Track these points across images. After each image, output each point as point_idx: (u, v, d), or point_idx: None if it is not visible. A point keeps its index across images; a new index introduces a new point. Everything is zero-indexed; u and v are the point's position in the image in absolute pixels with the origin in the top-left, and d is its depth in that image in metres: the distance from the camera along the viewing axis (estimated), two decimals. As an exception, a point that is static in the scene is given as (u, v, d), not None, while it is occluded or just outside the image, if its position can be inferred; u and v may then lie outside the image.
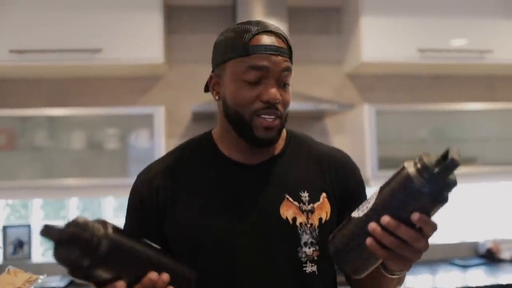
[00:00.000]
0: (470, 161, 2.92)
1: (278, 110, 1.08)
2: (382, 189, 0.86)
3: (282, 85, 1.10)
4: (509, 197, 3.31)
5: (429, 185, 0.80)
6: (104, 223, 0.88)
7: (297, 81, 2.91)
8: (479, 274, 2.75)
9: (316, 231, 1.11)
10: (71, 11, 2.56)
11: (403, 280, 1.11)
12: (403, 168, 0.83)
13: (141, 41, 2.58)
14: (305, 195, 1.13)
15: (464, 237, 3.21)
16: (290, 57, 1.11)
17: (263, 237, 1.10)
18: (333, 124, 3.08)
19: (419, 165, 0.81)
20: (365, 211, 0.86)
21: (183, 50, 2.95)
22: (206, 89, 1.20)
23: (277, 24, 2.69)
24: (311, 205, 1.13)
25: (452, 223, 3.24)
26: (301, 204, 1.12)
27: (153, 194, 1.15)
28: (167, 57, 2.82)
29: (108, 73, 2.82)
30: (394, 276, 0.98)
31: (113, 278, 0.88)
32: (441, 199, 0.81)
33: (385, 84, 3.15)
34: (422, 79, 3.19)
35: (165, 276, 0.93)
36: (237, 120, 1.11)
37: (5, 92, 2.84)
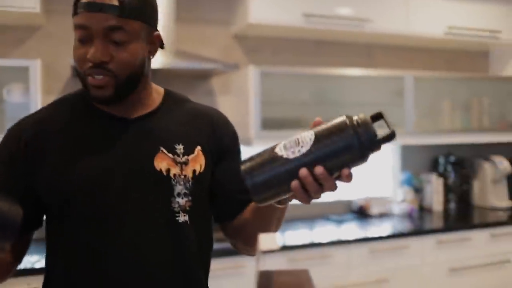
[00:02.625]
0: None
1: (107, 70, 1.07)
2: (318, 138, 0.90)
3: (114, 43, 1.07)
4: (380, 159, 3.57)
5: (365, 142, 0.89)
6: None
7: (185, 40, 2.88)
8: (352, 228, 2.97)
9: (190, 182, 1.15)
10: None
11: (283, 216, 1.19)
12: (346, 123, 0.90)
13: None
14: (179, 148, 1.16)
15: (340, 196, 3.43)
16: (125, 14, 1.06)
17: (137, 188, 1.12)
18: (219, 84, 3.10)
19: (360, 122, 0.90)
20: (296, 154, 0.91)
21: (62, 0, 2.78)
22: None
23: (164, -19, 2.64)
24: (186, 157, 1.16)
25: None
26: (176, 156, 1.15)
27: (21, 147, 1.12)
28: (45, 7, 2.64)
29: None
30: (281, 206, 1.07)
31: None
32: (366, 158, 0.92)
33: (271, 47, 3.21)
34: (307, 43, 3.30)
35: None
36: (79, 77, 1.11)
37: None
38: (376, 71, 3.19)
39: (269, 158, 0.93)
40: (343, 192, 3.44)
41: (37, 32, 2.75)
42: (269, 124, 2.86)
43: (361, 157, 0.91)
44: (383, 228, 2.98)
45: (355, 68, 3.24)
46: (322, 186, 0.92)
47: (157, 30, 1.16)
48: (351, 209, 3.41)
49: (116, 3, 1.05)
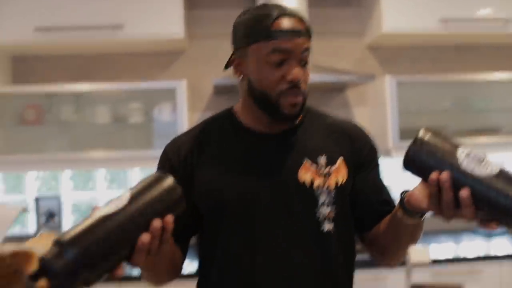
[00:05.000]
0: (494, 131, 2.89)
1: (301, 88, 1.15)
2: (496, 179, 0.91)
3: (303, 64, 1.16)
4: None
5: None
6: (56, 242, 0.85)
7: (318, 53, 2.91)
8: (503, 242, 2.74)
9: (333, 193, 1.18)
10: (94, -12, 2.61)
11: (419, 234, 1.17)
12: None
13: (162, 17, 2.61)
14: (322, 159, 1.19)
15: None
16: (310, 36, 1.17)
17: (282, 200, 1.17)
18: (354, 96, 3.08)
19: None
20: (469, 168, 0.92)
21: (203, 25, 2.98)
22: (226, 67, 1.26)
23: (297, -4, 2.71)
24: (328, 168, 1.19)
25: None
26: (319, 167, 1.18)
27: (181, 159, 1.22)
28: (188, 32, 2.85)
29: (130, 48, 2.87)
30: (410, 221, 1.08)
31: (112, 262, 0.88)
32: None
33: (406, 55, 3.12)
34: (445, 49, 3.15)
35: (169, 218, 0.93)
36: (263, 99, 1.17)
37: (32, 69, 2.90)
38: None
39: (446, 152, 0.98)
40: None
41: (182, 56, 2.98)
42: (408, 134, 2.76)
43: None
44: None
45: (499, 71, 3.03)
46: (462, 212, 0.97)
47: None
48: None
49: (304, 27, 1.16)
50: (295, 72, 1.13)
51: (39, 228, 2.86)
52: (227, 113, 1.29)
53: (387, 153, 2.71)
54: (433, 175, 0.95)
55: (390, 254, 1.25)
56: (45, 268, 0.81)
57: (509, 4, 2.81)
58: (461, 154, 0.93)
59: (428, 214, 1.02)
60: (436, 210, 0.98)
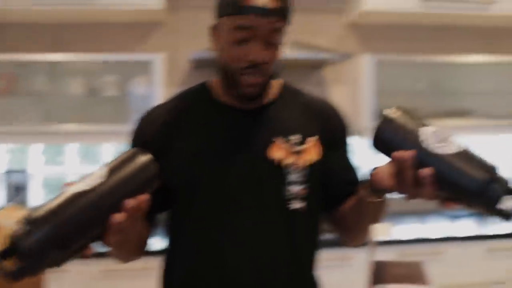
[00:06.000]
0: (467, 113, 2.92)
1: (261, 70, 1.12)
2: (457, 158, 0.91)
3: (271, 44, 1.12)
4: (506, 150, 3.34)
5: (486, 199, 0.91)
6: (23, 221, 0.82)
7: (297, 30, 2.87)
8: (468, 224, 2.82)
9: (305, 171, 1.18)
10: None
11: (382, 214, 1.18)
12: (489, 171, 0.92)
13: (140, -14, 2.56)
14: (295, 138, 1.19)
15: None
16: (284, 16, 1.11)
17: (253, 177, 1.17)
18: (331, 74, 3.08)
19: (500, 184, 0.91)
20: (432, 147, 0.92)
21: (183, -4, 2.92)
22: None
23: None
24: (301, 147, 1.19)
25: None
26: (291, 145, 1.18)
27: (156, 132, 1.21)
28: (168, 3, 2.80)
29: (108, 18, 2.81)
30: (375, 199, 1.09)
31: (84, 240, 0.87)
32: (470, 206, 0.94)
33: (386, 35, 3.12)
34: (424, 29, 3.15)
35: (143, 197, 0.91)
36: (226, 74, 1.16)
37: (5, 37, 2.83)
38: (497, 57, 2.98)
39: (411, 131, 0.97)
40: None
41: (160, 28, 2.93)
42: (383, 114, 2.78)
43: (468, 204, 0.93)
44: (503, 226, 2.78)
45: (475, 54, 3.05)
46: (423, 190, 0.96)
47: None
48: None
49: (278, 5, 1.09)
50: (256, 52, 1.10)
51: (8, 201, 2.82)
52: (202, 87, 1.28)
53: (362, 133, 2.73)
54: (396, 153, 0.95)
55: (353, 233, 1.26)
56: (13, 246, 0.79)
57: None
58: (426, 133, 0.93)
59: (394, 195, 1.02)
60: (398, 189, 0.98)
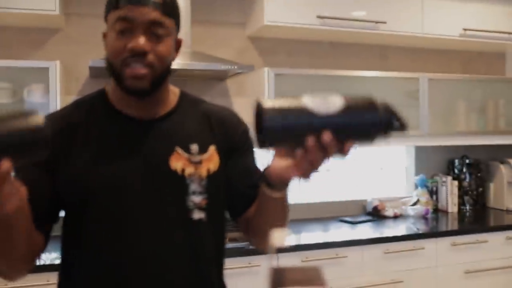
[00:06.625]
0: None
1: (146, 60, 1.10)
2: (348, 106, 0.92)
3: (154, 36, 1.12)
4: (394, 159, 3.57)
5: (385, 125, 0.94)
6: None
7: (200, 42, 2.92)
8: (366, 229, 2.98)
9: (204, 181, 1.18)
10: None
11: (286, 211, 1.20)
12: (376, 102, 0.94)
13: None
14: (194, 147, 1.19)
15: (353, 196, 3.43)
16: (165, 11, 1.12)
17: (153, 187, 1.15)
18: (234, 86, 3.13)
19: (387, 105, 0.95)
20: (324, 112, 0.91)
21: (81, 3, 2.83)
22: None
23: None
24: (200, 156, 1.19)
25: (342, 182, 3.44)
26: (190, 155, 1.18)
27: (53, 138, 1.12)
28: (64, 10, 2.70)
29: (1, 22, 2.65)
30: (276, 194, 1.11)
31: None
32: (376, 140, 0.95)
33: (286, 49, 3.23)
34: (322, 45, 3.31)
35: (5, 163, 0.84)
36: (111, 70, 1.14)
37: None
38: (390, 73, 3.19)
39: (296, 107, 0.92)
40: (357, 192, 3.45)
41: (56, 34, 2.81)
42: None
43: (373, 138, 0.95)
44: (398, 229, 2.98)
45: (369, 70, 3.25)
46: (326, 154, 0.94)
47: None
48: (365, 210, 3.42)
49: None
50: (135, 40, 1.09)
51: None
52: (99, 94, 1.24)
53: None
54: (310, 140, 0.91)
55: (262, 235, 1.20)
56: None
57: (381, 7, 3.03)
58: (309, 102, 0.92)
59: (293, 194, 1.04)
60: (298, 171, 0.97)
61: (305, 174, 0.98)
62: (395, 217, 3.27)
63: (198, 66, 2.58)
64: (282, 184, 1.10)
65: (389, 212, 3.27)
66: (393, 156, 3.57)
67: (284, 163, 1.03)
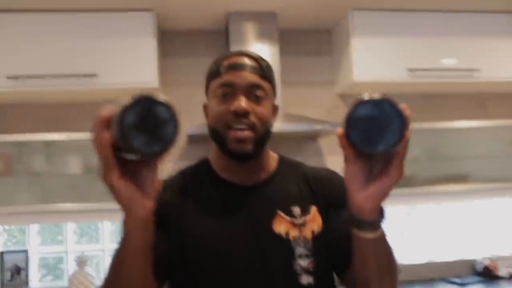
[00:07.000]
0: (463, 178, 2.94)
1: (248, 121, 1.14)
2: None
3: (254, 98, 1.16)
4: (502, 214, 3.33)
5: None
6: None
7: (291, 102, 2.96)
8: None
9: (310, 244, 1.15)
10: (67, 37, 2.61)
11: (388, 252, 1.04)
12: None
13: (136, 66, 2.63)
14: (296, 210, 1.18)
15: (461, 255, 3.22)
16: (262, 74, 1.18)
17: (258, 253, 1.14)
18: (327, 144, 3.12)
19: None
20: None
21: (177, 73, 3.00)
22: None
23: (269, 47, 2.77)
24: (303, 218, 1.17)
25: (448, 241, 3.25)
26: (293, 218, 1.17)
27: (168, 209, 1.16)
28: (162, 81, 2.86)
29: (103, 98, 2.85)
30: (369, 235, 0.95)
31: None
32: None
33: (377, 104, 3.19)
34: (413, 98, 3.24)
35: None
36: (214, 136, 1.18)
37: (2, 118, 2.86)
38: (490, 122, 3.04)
39: None
40: (464, 250, 3.23)
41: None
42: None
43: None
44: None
45: (467, 120, 3.11)
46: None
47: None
48: (475, 271, 3.17)
49: (256, 64, 1.18)
50: (237, 102, 1.13)
51: (3, 285, 2.73)
52: (203, 163, 1.29)
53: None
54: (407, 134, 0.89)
55: (372, 284, 1.06)
56: None
57: (473, 54, 2.93)
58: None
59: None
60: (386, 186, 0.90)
61: (392, 186, 0.89)
62: (511, 277, 3.01)
63: (290, 128, 2.61)
64: (370, 214, 0.93)
65: (503, 272, 3.01)
66: (504, 209, 3.34)
67: (361, 185, 0.92)
